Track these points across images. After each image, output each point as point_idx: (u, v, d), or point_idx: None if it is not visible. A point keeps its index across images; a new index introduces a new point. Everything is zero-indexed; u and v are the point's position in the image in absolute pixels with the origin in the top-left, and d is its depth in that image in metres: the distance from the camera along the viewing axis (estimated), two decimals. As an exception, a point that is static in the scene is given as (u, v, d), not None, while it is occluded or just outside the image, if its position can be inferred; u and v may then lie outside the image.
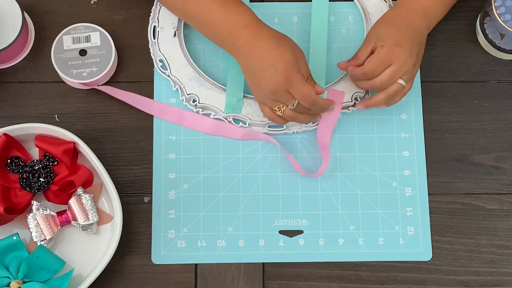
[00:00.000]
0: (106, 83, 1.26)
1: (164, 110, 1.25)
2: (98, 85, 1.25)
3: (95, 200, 1.21)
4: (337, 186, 1.24)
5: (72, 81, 1.24)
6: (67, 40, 1.25)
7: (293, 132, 1.25)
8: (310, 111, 1.19)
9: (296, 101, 1.15)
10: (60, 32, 1.26)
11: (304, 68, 1.16)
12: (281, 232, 1.22)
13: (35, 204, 1.19)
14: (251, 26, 1.15)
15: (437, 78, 1.28)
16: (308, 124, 1.24)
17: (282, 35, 1.16)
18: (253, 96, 1.25)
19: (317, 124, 1.24)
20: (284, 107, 1.16)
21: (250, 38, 1.14)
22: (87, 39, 1.25)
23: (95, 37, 1.25)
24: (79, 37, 1.25)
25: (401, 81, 1.18)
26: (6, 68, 1.27)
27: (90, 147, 1.19)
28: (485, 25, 1.25)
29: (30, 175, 1.20)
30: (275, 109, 1.17)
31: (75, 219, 1.19)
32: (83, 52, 1.25)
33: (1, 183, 1.19)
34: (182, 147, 1.25)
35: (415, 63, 1.18)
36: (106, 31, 1.26)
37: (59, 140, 1.20)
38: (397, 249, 1.22)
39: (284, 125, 1.24)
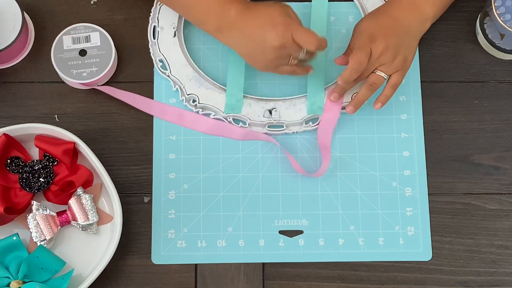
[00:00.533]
0: (106, 83, 1.26)
1: (164, 110, 1.25)
2: (98, 85, 1.25)
3: (95, 200, 1.21)
4: (337, 186, 1.24)
5: (72, 81, 1.24)
6: (67, 40, 1.25)
7: (293, 132, 1.25)
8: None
9: (304, 49, 1.16)
10: (60, 32, 1.26)
11: (297, 19, 1.17)
12: (281, 232, 1.22)
13: (35, 204, 1.19)
14: (238, 0, 1.16)
15: (437, 78, 1.28)
16: (308, 124, 1.24)
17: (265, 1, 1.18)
18: (253, 96, 1.25)
19: (318, 124, 1.24)
20: (295, 61, 1.17)
21: (243, 9, 1.15)
22: (87, 39, 1.25)
23: (95, 37, 1.25)
24: (79, 37, 1.25)
25: (379, 73, 1.19)
26: (6, 68, 1.27)
27: (90, 147, 1.19)
28: (485, 25, 1.25)
29: (30, 175, 1.20)
30: (290, 63, 1.18)
31: (75, 219, 1.19)
32: (83, 52, 1.25)
33: (1, 183, 1.19)
34: (182, 147, 1.25)
35: (395, 55, 1.18)
36: (106, 31, 1.26)
37: (59, 140, 1.20)
38: (397, 249, 1.22)
39: (284, 125, 1.24)
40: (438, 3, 1.21)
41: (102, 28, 1.26)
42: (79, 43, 1.25)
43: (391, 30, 1.19)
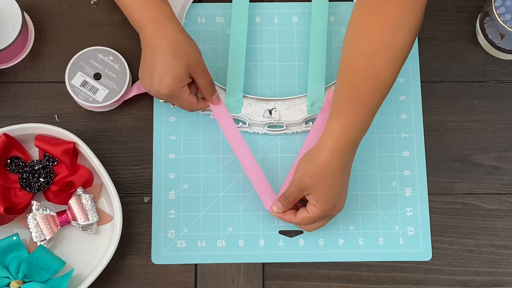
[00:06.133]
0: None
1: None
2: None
3: (95, 200, 1.21)
4: (337, 186, 1.23)
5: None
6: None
7: (293, 132, 1.25)
8: None
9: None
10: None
11: (202, 78, 1.17)
12: (281, 232, 1.22)
13: (35, 204, 1.19)
14: (156, 20, 1.15)
15: (437, 78, 1.28)
16: (308, 124, 1.24)
17: (185, 39, 1.15)
18: (253, 96, 1.25)
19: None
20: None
21: (151, 35, 1.15)
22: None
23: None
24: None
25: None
26: (6, 68, 1.28)
27: (90, 147, 1.19)
28: (485, 25, 1.25)
29: (30, 175, 1.20)
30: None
31: (75, 219, 1.19)
32: (97, 76, 1.23)
33: (1, 183, 1.19)
34: (182, 147, 1.25)
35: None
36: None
37: (59, 140, 1.20)
38: (397, 249, 1.22)
39: (284, 125, 1.24)
40: (346, 118, 1.13)
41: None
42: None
43: (339, 188, 1.15)
